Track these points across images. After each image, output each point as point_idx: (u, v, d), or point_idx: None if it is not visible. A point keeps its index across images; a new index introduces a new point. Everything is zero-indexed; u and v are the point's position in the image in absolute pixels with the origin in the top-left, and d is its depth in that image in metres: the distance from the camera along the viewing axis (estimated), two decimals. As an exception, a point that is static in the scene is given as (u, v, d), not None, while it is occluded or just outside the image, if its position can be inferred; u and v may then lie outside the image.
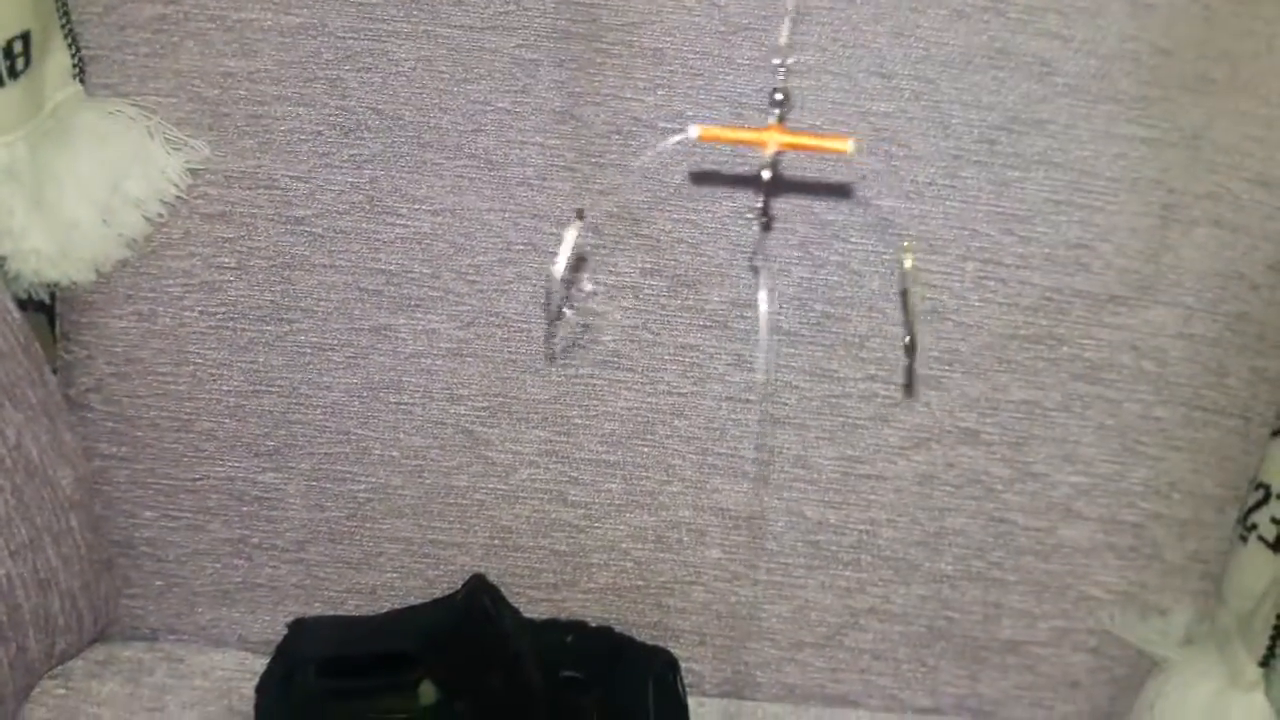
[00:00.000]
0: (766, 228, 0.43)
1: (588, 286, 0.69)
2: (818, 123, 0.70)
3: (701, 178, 0.70)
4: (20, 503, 0.69)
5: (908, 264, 0.46)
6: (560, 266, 0.43)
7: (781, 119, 0.42)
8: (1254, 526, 0.74)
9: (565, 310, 0.46)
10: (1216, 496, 0.76)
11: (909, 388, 0.72)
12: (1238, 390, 0.75)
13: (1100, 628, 0.77)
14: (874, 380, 0.74)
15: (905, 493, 0.75)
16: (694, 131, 0.41)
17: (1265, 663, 0.70)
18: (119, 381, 0.75)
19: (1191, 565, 0.77)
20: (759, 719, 0.77)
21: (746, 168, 0.70)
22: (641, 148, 0.72)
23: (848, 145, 0.41)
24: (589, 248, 0.73)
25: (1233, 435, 0.76)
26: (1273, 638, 0.69)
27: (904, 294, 0.47)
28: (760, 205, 0.45)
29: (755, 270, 0.69)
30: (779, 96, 0.43)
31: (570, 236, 0.43)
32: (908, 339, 0.48)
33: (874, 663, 0.78)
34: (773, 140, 0.42)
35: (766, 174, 0.43)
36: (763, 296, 0.43)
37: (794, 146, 0.42)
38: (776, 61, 0.43)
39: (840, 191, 0.69)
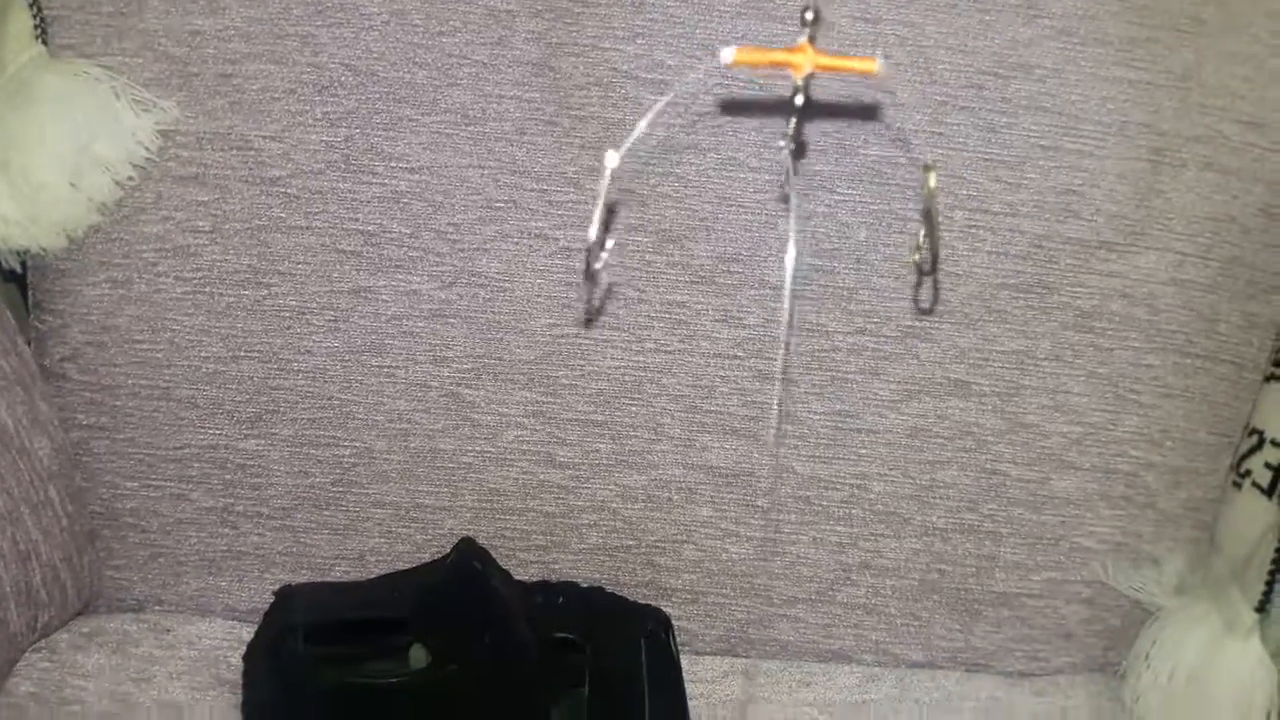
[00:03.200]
0: (798, 154, 0.42)
1: (611, 244, 0.67)
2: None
3: (730, 106, 0.68)
4: (-4, 474, 0.68)
5: (932, 182, 0.45)
6: (595, 227, 0.42)
7: (812, 39, 0.41)
8: (1248, 473, 0.73)
9: (598, 268, 0.45)
10: (1209, 443, 0.76)
11: (931, 310, 0.71)
12: (1229, 336, 0.74)
13: (1094, 578, 0.76)
14: (863, 334, 0.73)
15: (896, 446, 0.75)
16: (728, 54, 0.40)
17: (1261, 608, 0.69)
18: (95, 350, 0.74)
19: (1185, 513, 0.76)
20: (752, 676, 0.76)
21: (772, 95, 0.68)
22: (621, 99, 0.70)
23: (875, 65, 0.41)
24: (572, 204, 0.72)
25: (1225, 381, 0.75)
26: (1268, 583, 0.69)
27: (927, 213, 0.46)
28: (791, 131, 0.44)
29: (785, 199, 0.67)
30: (809, 15, 0.41)
31: (603, 189, 0.42)
32: (929, 258, 0.47)
33: (866, 617, 0.77)
34: (806, 61, 0.41)
35: (799, 99, 0.42)
36: (792, 225, 0.42)
37: (826, 68, 0.41)
38: None
39: (868, 113, 0.67)
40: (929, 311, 0.70)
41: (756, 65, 0.40)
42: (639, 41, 0.70)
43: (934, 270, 0.65)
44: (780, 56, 0.41)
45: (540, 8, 0.70)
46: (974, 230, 0.72)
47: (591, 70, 0.70)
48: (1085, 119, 0.71)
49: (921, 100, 0.70)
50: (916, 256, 0.46)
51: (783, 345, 0.70)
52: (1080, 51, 0.70)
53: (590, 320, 0.69)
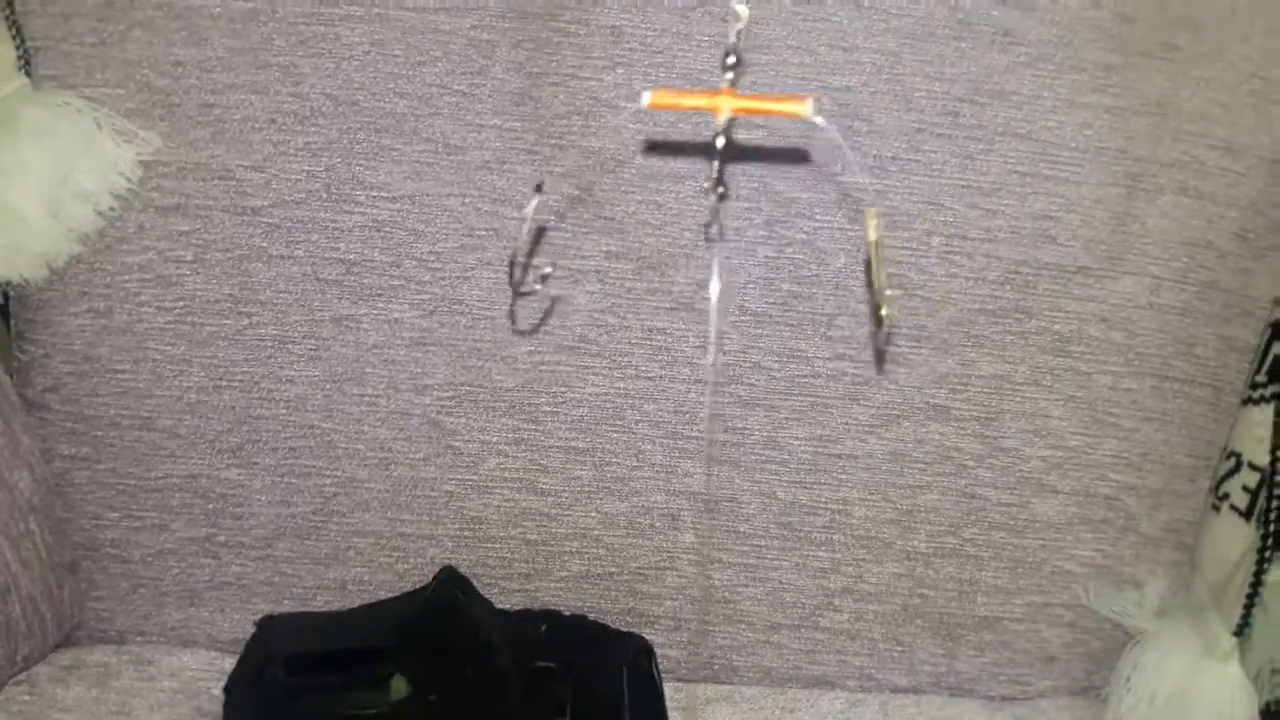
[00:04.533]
0: (722, 198, 0.41)
1: (547, 270, 0.68)
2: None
3: (655, 147, 0.69)
4: (-24, 506, 0.67)
5: (872, 234, 0.45)
6: (523, 240, 0.42)
7: (733, 83, 0.41)
8: (1226, 495, 0.74)
9: (535, 285, 0.45)
10: (1188, 466, 0.76)
11: (880, 359, 0.71)
12: (1207, 359, 0.75)
13: (1075, 601, 0.77)
14: (842, 359, 0.73)
15: (877, 471, 0.75)
16: (645, 99, 0.40)
17: (1239, 632, 0.70)
18: (77, 381, 0.74)
19: (1165, 536, 0.77)
20: (735, 703, 0.76)
21: (703, 138, 0.69)
22: (601, 128, 0.71)
23: (805, 106, 0.39)
24: (552, 231, 0.72)
25: (1203, 404, 0.75)
26: (1246, 607, 0.69)
27: (868, 264, 0.46)
28: (715, 175, 0.44)
29: (710, 241, 0.68)
30: (731, 59, 0.41)
31: (530, 209, 0.42)
32: (880, 308, 0.46)
33: (850, 643, 0.77)
34: (725, 105, 0.40)
35: (720, 141, 0.41)
36: (715, 269, 0.42)
37: (748, 111, 0.40)
38: (728, 21, 0.41)
39: (797, 157, 0.68)
40: (923, 364, 0.71)
41: (674, 109, 0.40)
42: (618, 71, 0.70)
43: (881, 323, 0.65)
44: (699, 101, 0.40)
45: (520, 38, 0.70)
46: (951, 256, 0.72)
47: (571, 99, 0.71)
48: (1061, 145, 0.71)
49: (898, 127, 0.71)
50: (884, 309, 0.45)
51: (711, 387, 0.71)
52: (1056, 78, 0.71)
53: (518, 326, 0.69)
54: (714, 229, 0.63)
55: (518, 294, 0.70)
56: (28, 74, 0.70)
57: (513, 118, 0.71)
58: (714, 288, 0.41)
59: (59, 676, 0.73)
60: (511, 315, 0.70)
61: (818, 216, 0.72)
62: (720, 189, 0.43)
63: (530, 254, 0.40)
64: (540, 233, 0.48)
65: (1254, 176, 0.72)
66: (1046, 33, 0.70)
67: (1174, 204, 0.72)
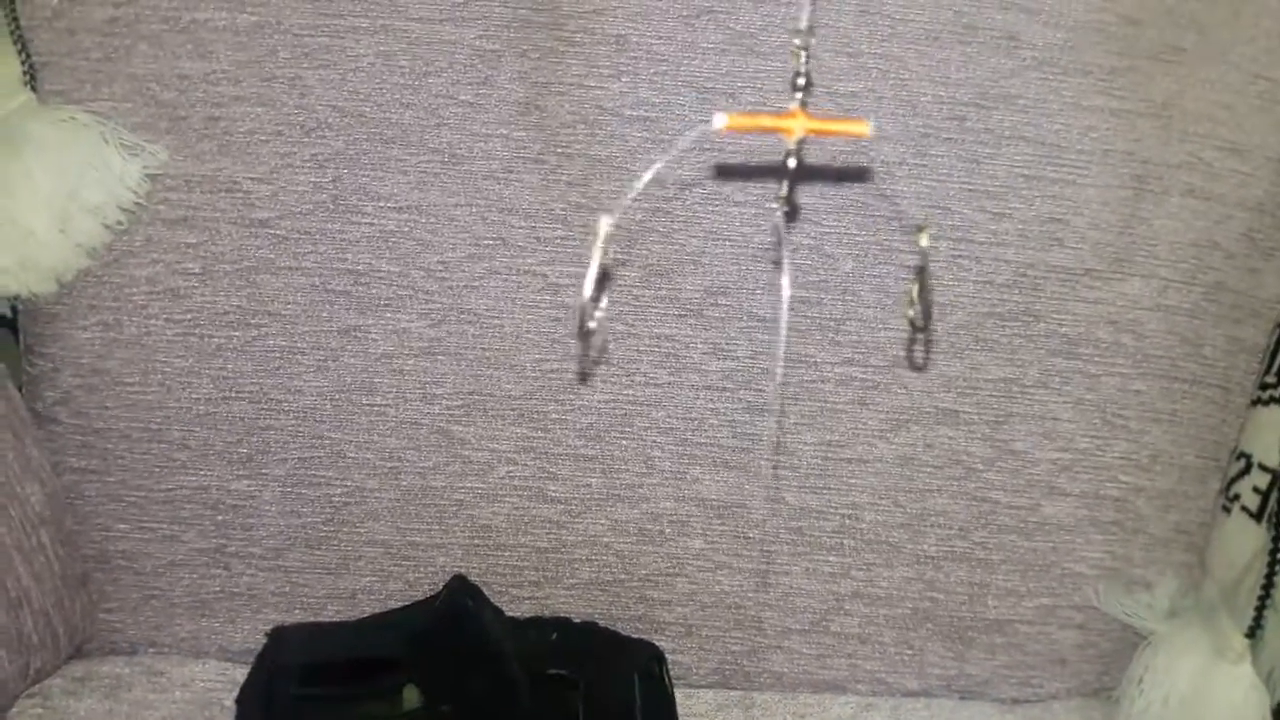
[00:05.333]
0: (791, 217, 0.42)
1: (604, 303, 0.68)
2: (783, 106, 0.69)
3: (724, 171, 0.69)
4: (-13, 521, 0.68)
5: (924, 241, 0.45)
6: (589, 284, 0.42)
7: (804, 104, 0.41)
8: (1236, 497, 0.74)
9: (590, 325, 0.45)
10: (1198, 468, 0.76)
11: (923, 365, 0.72)
12: (1215, 360, 0.75)
13: (1086, 604, 0.77)
14: (851, 364, 0.74)
15: (886, 475, 0.75)
16: (719, 121, 0.40)
17: (1251, 634, 0.70)
18: (86, 394, 0.74)
19: (1175, 538, 0.77)
20: (747, 708, 0.76)
21: (759, 159, 0.69)
22: (609, 137, 0.71)
23: (867, 128, 0.41)
24: (559, 240, 0.72)
25: (1212, 405, 0.75)
26: (1258, 608, 0.69)
27: (920, 271, 0.46)
28: (784, 194, 0.44)
29: (777, 263, 0.68)
30: (801, 81, 0.42)
31: (598, 250, 0.42)
32: (922, 314, 0.46)
33: (860, 647, 0.77)
34: (798, 126, 0.41)
35: (792, 162, 0.42)
36: (785, 284, 0.42)
37: (818, 132, 0.41)
38: (798, 43, 0.42)
39: (858, 175, 0.68)
40: (922, 369, 0.71)
41: (748, 131, 0.40)
42: (623, 79, 0.70)
43: (926, 328, 0.66)
44: (772, 123, 0.41)
45: (525, 48, 0.70)
46: (959, 260, 0.72)
47: (577, 108, 0.71)
48: (1068, 148, 0.71)
49: (905, 132, 0.71)
50: (910, 312, 0.46)
51: (778, 405, 0.71)
52: (1062, 82, 0.71)
53: (585, 376, 0.69)
54: (782, 250, 0.63)
55: (583, 337, 0.70)
56: (33, 89, 0.70)
57: (519, 127, 0.71)
58: (784, 306, 0.41)
59: (71, 689, 0.73)
60: (580, 367, 0.70)
61: (825, 222, 0.72)
62: (788, 208, 0.43)
63: (597, 297, 0.40)
64: (606, 270, 0.48)
65: (1261, 177, 0.72)
66: (1052, 36, 0.70)
67: (1181, 205, 0.72)
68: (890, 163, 0.71)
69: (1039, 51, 0.70)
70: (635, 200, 0.71)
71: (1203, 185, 0.72)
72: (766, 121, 0.41)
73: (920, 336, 0.72)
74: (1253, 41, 0.71)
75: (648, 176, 0.40)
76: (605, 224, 0.40)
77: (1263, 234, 0.73)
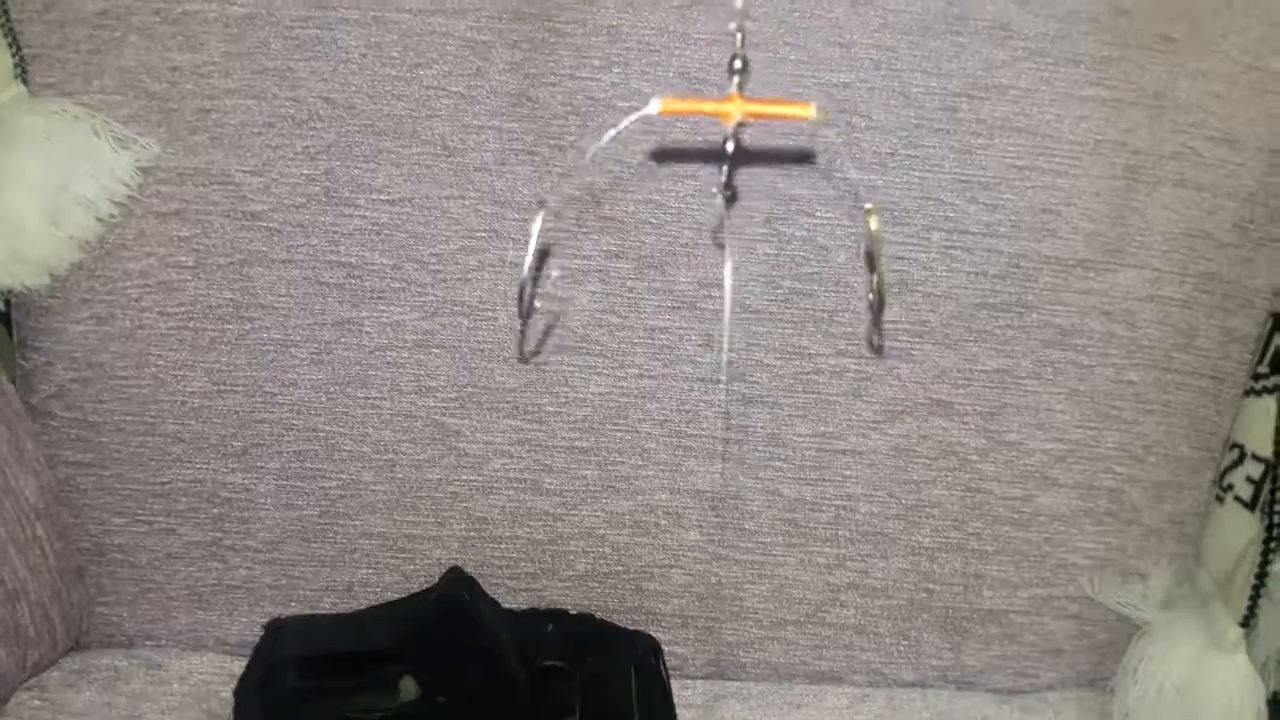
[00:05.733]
0: (731, 201, 0.42)
1: (554, 274, 0.68)
2: (776, 95, 0.70)
3: (664, 155, 0.69)
4: (-18, 514, 0.68)
5: (873, 225, 0.45)
6: (529, 261, 0.42)
7: (741, 87, 0.41)
8: (1230, 487, 0.74)
9: (537, 304, 0.45)
10: (1191, 458, 0.76)
11: (879, 350, 0.71)
12: (1208, 351, 0.75)
13: (1080, 594, 0.77)
14: (844, 355, 0.74)
15: (880, 467, 0.75)
16: (654, 106, 0.40)
17: (1246, 623, 0.70)
18: (80, 387, 0.74)
19: (1169, 528, 0.77)
20: (743, 699, 0.76)
21: (707, 141, 0.69)
22: (601, 127, 0.71)
23: (810, 110, 0.40)
24: (551, 232, 0.72)
25: (1205, 396, 0.75)
26: (1253, 598, 0.69)
27: (869, 255, 0.47)
28: (724, 179, 0.44)
29: (721, 246, 0.68)
30: (738, 64, 0.42)
31: (536, 228, 0.42)
32: (873, 298, 0.47)
33: (856, 638, 0.77)
34: (735, 110, 0.41)
35: (730, 146, 0.42)
36: (728, 272, 0.42)
37: (756, 115, 0.41)
38: (733, 26, 0.42)
39: (803, 158, 0.68)
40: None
41: (685, 114, 0.40)
42: (615, 70, 0.70)
43: (879, 312, 0.66)
44: (709, 106, 0.41)
45: (517, 39, 0.70)
46: (952, 251, 0.72)
47: (569, 99, 0.71)
48: (1060, 138, 0.71)
49: (896, 123, 0.71)
50: (871, 296, 0.46)
51: (726, 389, 0.71)
52: (1053, 72, 0.71)
53: (527, 357, 0.69)
54: (723, 234, 0.63)
55: (525, 318, 0.70)
56: (24, 82, 0.70)
57: (510, 119, 0.71)
58: (726, 290, 0.41)
59: (69, 681, 0.73)
60: (520, 341, 0.70)
61: (818, 214, 0.72)
62: (728, 192, 0.43)
63: (537, 275, 0.40)
64: (544, 254, 0.48)
65: (1252, 167, 0.72)
66: (1043, 26, 0.70)
67: (1173, 196, 0.72)
68: (883, 154, 0.71)
69: (1031, 42, 0.70)
70: (625, 192, 0.71)
71: (1195, 175, 0.72)
72: (703, 105, 0.41)
73: (926, 326, 0.72)
74: (1244, 31, 0.71)
75: (589, 155, 0.40)
76: (539, 218, 0.40)
77: (1255, 224, 0.73)
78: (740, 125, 0.41)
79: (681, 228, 0.72)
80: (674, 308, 0.73)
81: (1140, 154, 0.71)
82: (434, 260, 0.72)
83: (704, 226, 0.72)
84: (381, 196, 0.72)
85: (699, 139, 0.70)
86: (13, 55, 0.70)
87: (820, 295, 0.73)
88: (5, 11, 0.69)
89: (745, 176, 0.71)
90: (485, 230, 0.72)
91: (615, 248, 0.72)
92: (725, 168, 0.43)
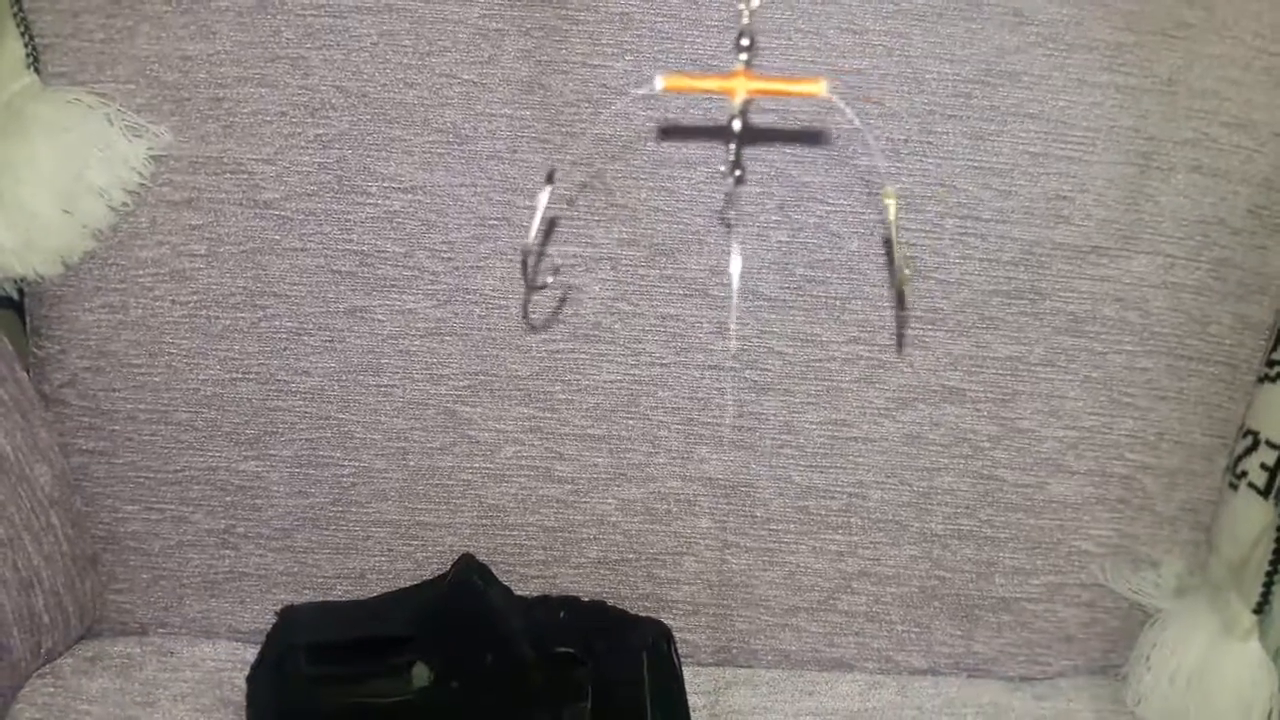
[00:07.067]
0: (739, 181, 0.41)
1: (559, 262, 0.68)
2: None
3: (669, 132, 0.69)
4: (-3, 502, 0.68)
5: (891, 213, 0.45)
6: (534, 231, 0.42)
7: (748, 64, 0.41)
8: (1244, 474, 0.73)
9: (547, 278, 0.45)
10: (1205, 445, 0.76)
11: (899, 341, 0.71)
12: (1222, 337, 0.74)
13: (1093, 581, 0.77)
14: (857, 343, 0.73)
15: (893, 454, 0.75)
16: (659, 83, 0.40)
17: (1259, 610, 0.70)
18: (93, 375, 0.74)
19: (1182, 515, 0.77)
20: (754, 686, 0.76)
21: (717, 120, 0.69)
22: (613, 115, 0.71)
23: (820, 86, 0.39)
24: (564, 219, 0.72)
25: (1219, 383, 0.75)
26: (1266, 585, 0.69)
27: (887, 242, 0.46)
28: (732, 158, 0.44)
29: (728, 226, 0.68)
30: (745, 41, 0.41)
31: (543, 201, 0.42)
32: (897, 288, 0.46)
33: (868, 625, 0.77)
34: (741, 87, 0.40)
35: (737, 124, 0.41)
36: (735, 251, 0.41)
37: (763, 92, 0.40)
38: (741, 5, 0.41)
39: (814, 138, 0.67)
40: (937, 347, 0.71)
41: (689, 91, 0.40)
42: (627, 58, 0.70)
43: (900, 296, 0.65)
44: (714, 84, 0.40)
45: (528, 26, 0.70)
46: (965, 238, 0.72)
47: (581, 87, 0.70)
48: (1073, 125, 0.71)
49: (910, 109, 0.71)
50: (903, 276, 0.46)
51: (734, 373, 0.71)
52: (1067, 58, 0.70)
53: (534, 328, 0.69)
54: (730, 214, 0.63)
55: (531, 289, 0.70)
56: (37, 71, 0.70)
57: (522, 106, 0.71)
58: (734, 272, 0.41)
59: (83, 668, 0.74)
60: (525, 310, 0.70)
61: (831, 200, 0.72)
62: (737, 173, 0.43)
63: (543, 247, 0.40)
64: (551, 224, 0.48)
65: (1267, 153, 0.72)
66: (1057, 12, 0.70)
67: (1187, 182, 0.72)
68: (897, 140, 0.71)
69: (1044, 27, 0.70)
70: (637, 180, 0.71)
71: (1209, 161, 0.72)
72: (708, 83, 0.40)
73: (938, 315, 0.72)
74: (1259, 17, 0.71)
75: (599, 125, 0.39)
76: (545, 191, 0.40)
77: (1269, 210, 0.73)
78: (748, 104, 0.41)
79: (693, 215, 0.72)
80: (686, 295, 0.73)
81: (1154, 140, 0.71)
82: (446, 248, 0.72)
83: (716, 214, 0.72)
84: (393, 184, 0.72)
85: (712, 118, 0.70)
86: (25, 44, 0.70)
87: (833, 282, 0.73)
88: (18, 1, 0.69)
89: (758, 163, 0.71)
90: (497, 218, 0.72)
91: (627, 235, 0.72)
92: (733, 146, 0.43)
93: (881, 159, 0.71)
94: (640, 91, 0.40)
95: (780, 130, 0.70)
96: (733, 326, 0.70)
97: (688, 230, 0.72)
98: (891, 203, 0.43)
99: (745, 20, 0.41)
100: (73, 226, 0.70)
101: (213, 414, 0.74)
